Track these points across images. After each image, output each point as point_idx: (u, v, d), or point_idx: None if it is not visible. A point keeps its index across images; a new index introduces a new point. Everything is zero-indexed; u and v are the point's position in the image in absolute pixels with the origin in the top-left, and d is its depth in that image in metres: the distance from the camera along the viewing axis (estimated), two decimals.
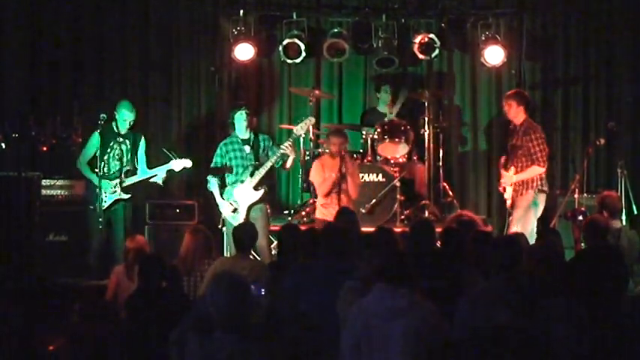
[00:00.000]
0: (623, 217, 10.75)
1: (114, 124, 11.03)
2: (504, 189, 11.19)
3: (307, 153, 12.56)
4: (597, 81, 13.22)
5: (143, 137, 11.32)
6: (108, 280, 9.44)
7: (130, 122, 11.06)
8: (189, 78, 13.33)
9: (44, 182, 11.46)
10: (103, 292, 9.38)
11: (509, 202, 11.12)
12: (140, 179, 11.06)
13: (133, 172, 11.06)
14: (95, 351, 6.85)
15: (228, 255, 10.48)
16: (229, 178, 10.78)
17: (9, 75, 12.88)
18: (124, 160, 11.04)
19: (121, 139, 11.04)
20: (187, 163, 11.07)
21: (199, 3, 13.27)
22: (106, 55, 13.12)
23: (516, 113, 11.16)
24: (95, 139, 10.94)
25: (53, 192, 11.50)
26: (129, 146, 11.08)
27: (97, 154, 10.91)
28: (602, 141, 11.79)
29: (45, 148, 11.34)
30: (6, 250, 10.76)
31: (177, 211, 11.94)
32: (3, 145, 10.94)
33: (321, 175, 11.00)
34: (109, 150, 10.99)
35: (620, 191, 11.29)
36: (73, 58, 13.01)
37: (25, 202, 10.93)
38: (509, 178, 11.03)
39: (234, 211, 10.62)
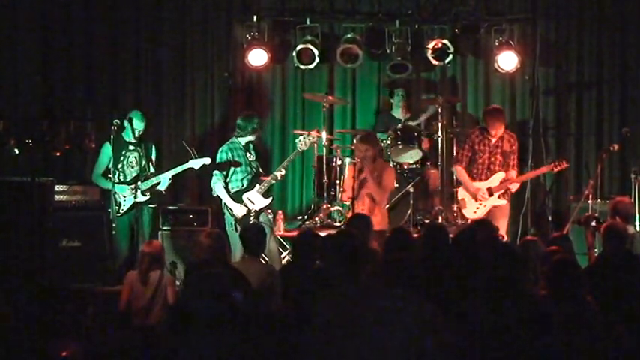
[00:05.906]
0: (637, 223, 10.74)
1: (124, 132, 11.02)
2: (485, 196, 11.26)
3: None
4: (611, 86, 13.18)
5: (154, 146, 11.37)
6: (121, 286, 9.44)
7: (139, 132, 11.05)
8: (202, 84, 13.37)
9: (57, 188, 11.48)
10: (117, 297, 9.37)
11: (484, 211, 11.21)
12: (159, 180, 10.98)
13: (150, 176, 11.03)
14: (109, 356, 6.85)
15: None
16: (232, 184, 10.80)
17: (22, 80, 12.95)
18: (139, 166, 11.04)
19: (133, 147, 11.04)
20: (206, 160, 11.00)
21: (213, 9, 13.31)
22: (119, 60, 13.20)
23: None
24: (107, 149, 10.92)
25: (66, 197, 11.52)
26: (141, 153, 11.05)
27: (110, 164, 10.90)
28: (616, 147, 11.74)
29: (58, 154, 11.37)
30: (19, 256, 10.77)
31: (191, 216, 11.96)
32: (17, 151, 10.96)
33: (352, 180, 10.97)
34: (122, 158, 10.99)
35: (633, 197, 11.25)
36: (87, 64, 13.09)
37: (39, 207, 10.93)
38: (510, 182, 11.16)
39: (247, 213, 10.64)
